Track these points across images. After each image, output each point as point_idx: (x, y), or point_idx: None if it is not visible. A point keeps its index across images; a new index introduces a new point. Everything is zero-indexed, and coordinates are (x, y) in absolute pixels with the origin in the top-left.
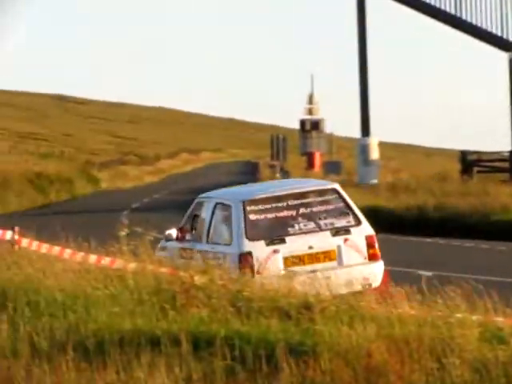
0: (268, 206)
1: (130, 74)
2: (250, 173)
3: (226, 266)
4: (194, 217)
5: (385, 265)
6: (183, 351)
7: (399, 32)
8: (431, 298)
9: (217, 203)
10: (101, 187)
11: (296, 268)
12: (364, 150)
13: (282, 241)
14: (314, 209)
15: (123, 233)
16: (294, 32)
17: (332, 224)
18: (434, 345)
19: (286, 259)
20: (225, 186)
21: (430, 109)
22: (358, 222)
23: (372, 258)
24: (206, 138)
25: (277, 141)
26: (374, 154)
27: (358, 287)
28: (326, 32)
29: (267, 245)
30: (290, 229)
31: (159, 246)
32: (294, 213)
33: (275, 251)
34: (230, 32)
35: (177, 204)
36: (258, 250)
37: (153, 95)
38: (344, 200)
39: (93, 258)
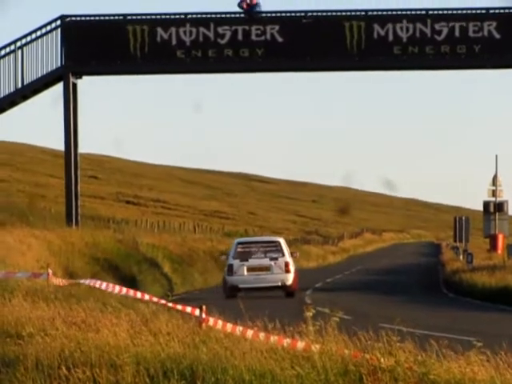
0: (246, 245)
1: (312, 154)
2: (432, 254)
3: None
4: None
5: None
6: None
7: None
8: None
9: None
10: None
11: (251, 273)
12: None
13: (246, 260)
14: (265, 248)
15: (309, 313)
16: (478, 111)
17: (270, 255)
18: None
19: (247, 268)
20: (409, 266)
21: None
22: (283, 256)
23: (286, 271)
24: (387, 217)
25: (460, 222)
26: None
27: (278, 284)
28: (510, 111)
29: (241, 260)
30: (252, 255)
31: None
32: (256, 249)
33: (242, 264)
34: (408, 112)
35: (360, 284)
36: (236, 263)
37: (335, 174)
38: (280, 246)
39: (275, 338)
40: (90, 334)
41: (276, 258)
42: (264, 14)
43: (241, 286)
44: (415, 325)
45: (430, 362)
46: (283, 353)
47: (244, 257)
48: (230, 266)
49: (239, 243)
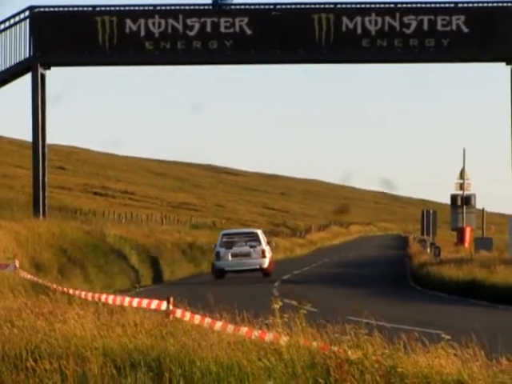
0: (230, 236)
1: (283, 147)
2: (399, 247)
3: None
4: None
5: None
6: None
7: None
8: None
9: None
10: None
11: (234, 258)
12: None
13: (230, 248)
14: (245, 238)
15: (277, 305)
16: (446, 106)
17: (250, 244)
18: None
19: (231, 254)
20: (376, 259)
21: None
22: (260, 244)
23: (263, 256)
24: (355, 210)
25: (427, 215)
26: None
27: (257, 266)
28: (479, 106)
29: (226, 248)
30: (235, 244)
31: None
32: (238, 239)
33: (228, 250)
34: (381, 106)
35: (327, 277)
36: (223, 251)
37: (304, 168)
38: (258, 236)
39: (244, 330)
40: (56, 326)
41: (255, 246)
42: (233, 7)
43: (226, 268)
44: (383, 318)
45: (397, 355)
46: (251, 345)
47: (229, 245)
48: (218, 253)
49: (224, 234)
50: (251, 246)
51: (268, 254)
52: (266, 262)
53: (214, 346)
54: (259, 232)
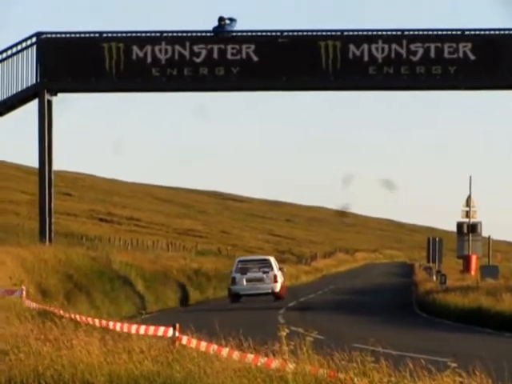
0: (244, 262)
1: (288, 174)
2: (405, 275)
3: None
4: None
5: None
6: None
7: None
8: None
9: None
10: None
11: (249, 283)
12: None
13: (245, 274)
14: (259, 265)
15: (283, 333)
16: (453, 133)
17: (263, 270)
18: None
19: (246, 279)
20: (382, 286)
21: None
22: (272, 270)
23: (275, 281)
24: (361, 237)
25: (433, 242)
26: None
27: (269, 291)
28: (485, 133)
29: (241, 274)
30: (249, 270)
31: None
32: (252, 265)
33: (243, 275)
34: (385, 132)
35: (333, 304)
36: (238, 276)
37: (310, 194)
38: (270, 262)
39: (250, 356)
40: (63, 352)
41: (267, 272)
42: (240, 33)
43: (241, 292)
44: (388, 345)
45: (404, 383)
46: (256, 372)
47: (243, 271)
48: (234, 278)
49: (240, 261)
50: (264, 272)
51: (280, 279)
52: (277, 287)
53: (220, 373)
54: (272, 259)
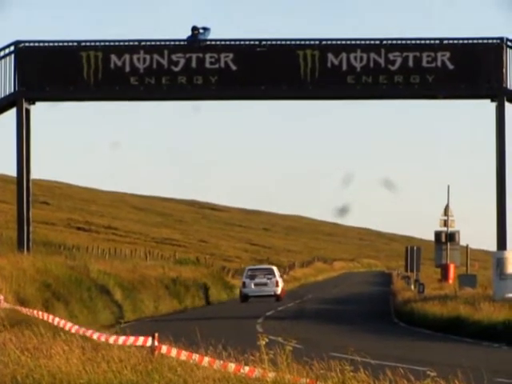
0: (253, 270)
1: (265, 182)
2: (383, 284)
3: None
4: None
5: None
6: None
7: None
8: None
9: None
10: (235, 294)
11: (255, 287)
12: (500, 263)
13: (253, 279)
14: (264, 272)
15: (263, 342)
16: (431, 142)
17: (267, 276)
18: None
19: (254, 284)
20: (360, 295)
21: None
22: (274, 277)
23: (276, 285)
24: (340, 246)
25: (411, 252)
26: (510, 267)
27: (272, 293)
28: (464, 142)
29: (250, 279)
30: (257, 276)
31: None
32: (259, 273)
33: (251, 280)
34: (358, 140)
35: (311, 313)
36: (247, 280)
37: (287, 203)
38: (273, 271)
39: (232, 366)
40: (42, 361)
41: (271, 278)
42: (218, 42)
43: (250, 294)
44: (367, 354)
45: None
46: (236, 381)
47: (252, 277)
48: (244, 283)
49: (249, 269)
50: (268, 278)
51: (280, 284)
52: (278, 290)
53: (200, 383)
54: (274, 268)
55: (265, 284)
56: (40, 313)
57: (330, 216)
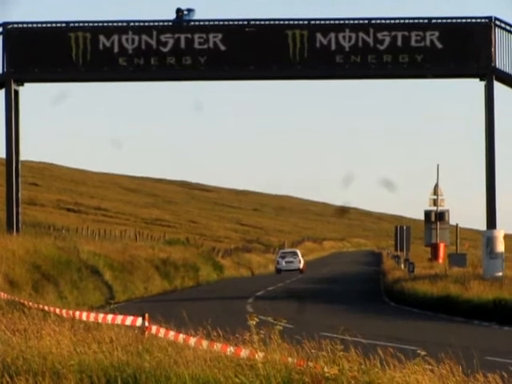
0: (283, 253)
1: (255, 163)
2: (373, 263)
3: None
4: None
5: None
6: None
7: None
8: None
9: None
10: (224, 274)
11: (286, 264)
12: (489, 242)
13: (284, 258)
14: (291, 253)
15: (253, 322)
16: (420, 122)
17: (293, 256)
18: None
19: (284, 262)
20: (350, 275)
21: None
22: (298, 256)
23: (299, 263)
24: (329, 226)
25: (401, 231)
26: (500, 246)
27: (297, 268)
28: (453, 123)
29: (282, 258)
30: (286, 256)
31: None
32: (287, 254)
33: (283, 259)
34: (346, 120)
35: (302, 293)
36: (280, 259)
37: (277, 183)
38: (297, 253)
39: (219, 345)
40: (32, 342)
41: (296, 257)
42: (207, 23)
43: (282, 269)
44: (358, 334)
45: (373, 371)
46: (227, 361)
47: (283, 257)
48: (278, 261)
49: (281, 252)
50: (294, 258)
51: (302, 261)
52: (301, 266)
53: (191, 363)
54: (298, 251)
55: (292, 262)
56: (30, 303)
57: (319, 196)
